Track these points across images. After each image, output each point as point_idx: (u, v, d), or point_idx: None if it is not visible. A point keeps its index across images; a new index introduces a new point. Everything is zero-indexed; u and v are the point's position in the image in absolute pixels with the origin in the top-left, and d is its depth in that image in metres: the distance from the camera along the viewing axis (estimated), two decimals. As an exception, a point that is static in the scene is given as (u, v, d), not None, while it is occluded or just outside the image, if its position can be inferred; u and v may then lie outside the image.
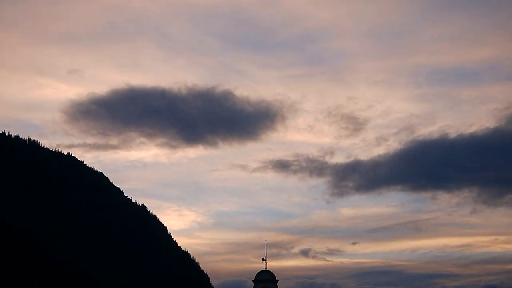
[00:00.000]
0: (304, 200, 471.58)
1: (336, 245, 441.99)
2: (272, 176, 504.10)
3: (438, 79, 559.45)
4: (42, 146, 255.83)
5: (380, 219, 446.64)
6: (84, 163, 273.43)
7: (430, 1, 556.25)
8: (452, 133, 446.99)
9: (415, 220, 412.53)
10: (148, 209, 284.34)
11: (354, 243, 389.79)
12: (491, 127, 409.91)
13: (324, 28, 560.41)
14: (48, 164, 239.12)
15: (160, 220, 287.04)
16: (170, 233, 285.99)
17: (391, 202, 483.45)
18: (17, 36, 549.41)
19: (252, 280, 78.38)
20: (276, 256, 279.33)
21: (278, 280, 77.58)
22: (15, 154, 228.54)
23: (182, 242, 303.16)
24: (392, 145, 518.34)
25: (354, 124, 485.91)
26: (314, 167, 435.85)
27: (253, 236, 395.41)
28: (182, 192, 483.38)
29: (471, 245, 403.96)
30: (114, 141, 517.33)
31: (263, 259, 79.33)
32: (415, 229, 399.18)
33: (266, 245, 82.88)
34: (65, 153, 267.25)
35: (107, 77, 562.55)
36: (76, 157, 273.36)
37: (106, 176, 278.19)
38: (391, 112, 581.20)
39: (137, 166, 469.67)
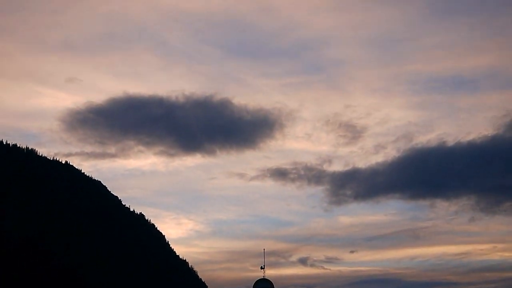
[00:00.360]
0: (302, 208, 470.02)
1: (334, 253, 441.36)
2: (270, 185, 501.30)
3: (436, 87, 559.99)
4: (40, 154, 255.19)
5: (378, 227, 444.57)
6: (82, 171, 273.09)
7: (428, 9, 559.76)
8: (450, 141, 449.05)
9: (413, 228, 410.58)
10: (146, 218, 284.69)
11: (352, 251, 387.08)
12: (489, 134, 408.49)
13: (322, 37, 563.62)
14: (46, 173, 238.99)
15: (158, 229, 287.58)
16: (168, 241, 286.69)
17: (389, 210, 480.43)
18: (15, 45, 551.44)
19: (250, 289, 78.44)
20: (274, 265, 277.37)
21: (276, 289, 77.64)
22: (13, 162, 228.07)
23: (180, 250, 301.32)
24: (390, 153, 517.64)
25: (352, 132, 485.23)
26: (312, 175, 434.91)
27: (251, 244, 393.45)
28: (180, 201, 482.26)
29: (470, 253, 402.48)
30: (112, 149, 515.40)
31: (261, 268, 79.38)
32: (413, 237, 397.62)
33: (264, 254, 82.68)
34: (63, 162, 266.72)
35: (105, 86, 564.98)
36: (74, 165, 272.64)
37: (104, 184, 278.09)
38: (389, 120, 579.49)
39: (135, 175, 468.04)
